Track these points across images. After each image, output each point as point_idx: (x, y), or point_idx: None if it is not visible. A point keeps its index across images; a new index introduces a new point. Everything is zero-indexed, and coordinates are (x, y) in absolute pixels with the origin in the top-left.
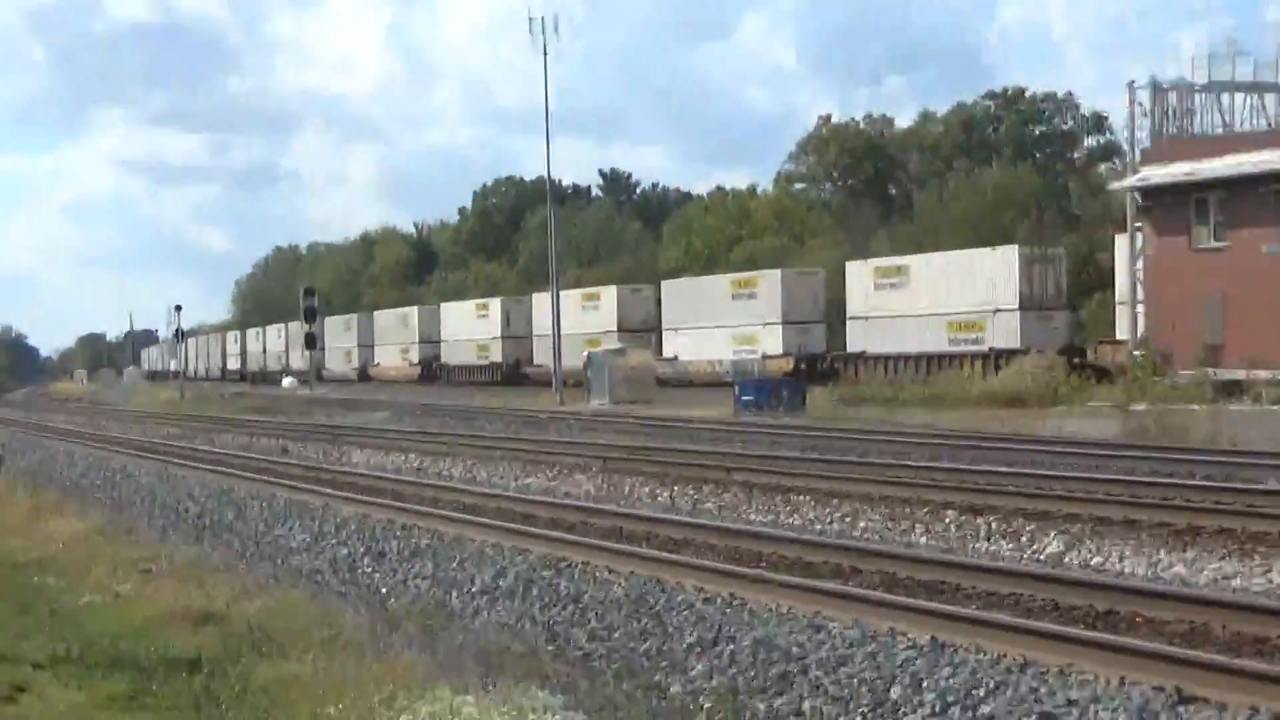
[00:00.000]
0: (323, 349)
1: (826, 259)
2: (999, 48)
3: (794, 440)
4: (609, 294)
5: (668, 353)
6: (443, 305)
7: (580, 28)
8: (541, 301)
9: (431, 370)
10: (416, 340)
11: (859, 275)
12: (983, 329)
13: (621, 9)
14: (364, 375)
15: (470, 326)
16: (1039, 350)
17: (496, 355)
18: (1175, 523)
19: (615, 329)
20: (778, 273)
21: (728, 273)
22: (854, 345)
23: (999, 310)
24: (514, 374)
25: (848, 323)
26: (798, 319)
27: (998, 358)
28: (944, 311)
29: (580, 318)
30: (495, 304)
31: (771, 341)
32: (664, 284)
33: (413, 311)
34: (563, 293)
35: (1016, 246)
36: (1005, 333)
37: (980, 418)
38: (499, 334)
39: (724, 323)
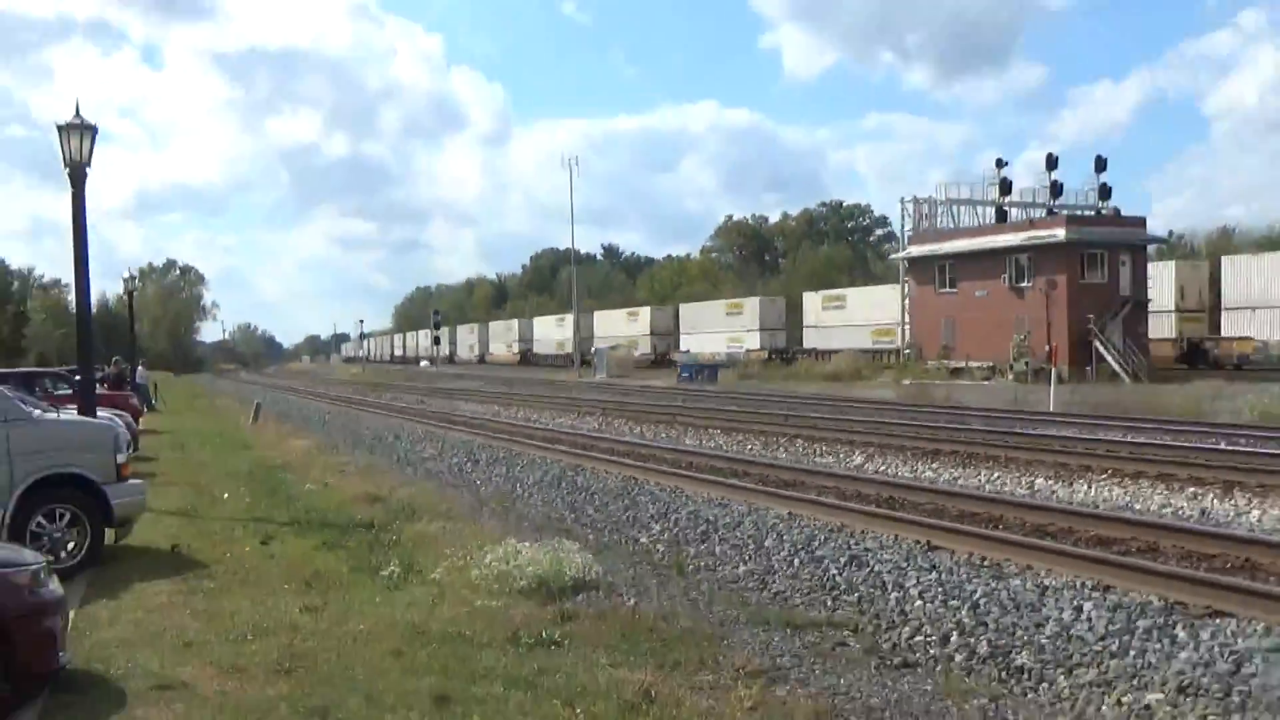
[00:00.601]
0: (453, 343)
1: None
2: (831, 177)
3: (710, 398)
4: (645, 311)
5: (683, 348)
6: (535, 319)
7: (591, 162)
8: (596, 318)
9: (527, 358)
10: (517, 339)
11: (812, 300)
12: (894, 335)
13: (614, 152)
14: (482, 359)
15: (551, 331)
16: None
17: (568, 348)
18: (923, 446)
19: (649, 333)
20: (756, 299)
21: (676, 303)
22: (808, 344)
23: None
24: (581, 360)
25: (804, 329)
26: (769, 327)
27: (895, 355)
28: (868, 324)
29: (625, 326)
30: (568, 317)
31: (752, 340)
32: (682, 306)
33: (515, 322)
34: (611, 311)
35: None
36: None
37: (819, 386)
38: (570, 335)
39: (720, 329)
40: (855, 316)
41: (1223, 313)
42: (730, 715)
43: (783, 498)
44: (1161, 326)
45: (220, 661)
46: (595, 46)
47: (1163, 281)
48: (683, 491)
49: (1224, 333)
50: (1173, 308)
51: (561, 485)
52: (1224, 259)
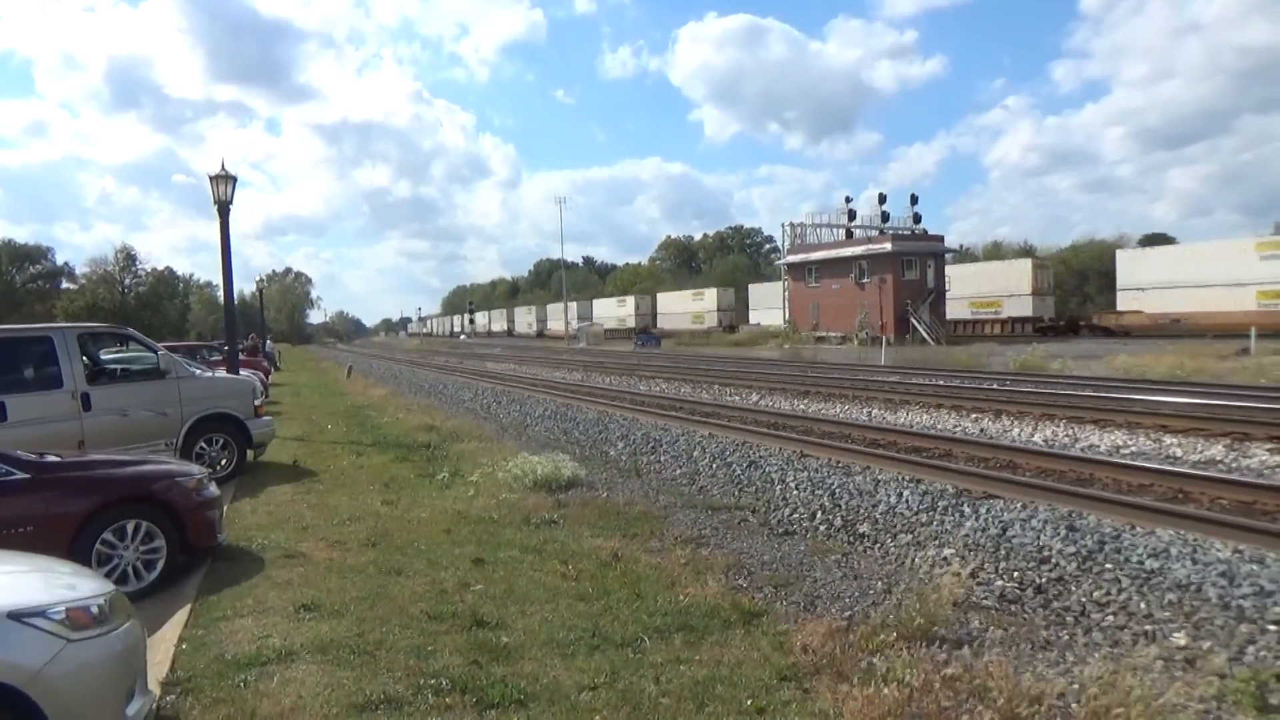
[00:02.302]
0: (512, 321)
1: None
2: (736, 209)
3: (658, 359)
4: (630, 299)
5: (660, 325)
6: (594, 301)
7: (575, 199)
8: (600, 306)
9: (541, 333)
10: (535, 319)
11: (757, 290)
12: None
13: (591, 192)
14: (540, 335)
15: (560, 313)
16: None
17: (573, 327)
18: (797, 388)
19: (634, 314)
20: (715, 289)
21: (626, 295)
22: (754, 319)
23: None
24: (570, 335)
25: (750, 311)
26: (726, 308)
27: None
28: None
29: (617, 310)
30: (581, 303)
31: (711, 318)
32: (659, 295)
33: (533, 308)
34: (608, 299)
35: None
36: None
37: (727, 350)
38: (571, 317)
39: (688, 310)
40: (768, 303)
41: (1118, 293)
42: (671, 567)
43: (705, 423)
44: (1023, 305)
45: (327, 538)
46: (578, 120)
47: (1021, 274)
48: (638, 420)
49: (1118, 307)
50: (1029, 291)
51: (557, 417)
52: (1118, 252)
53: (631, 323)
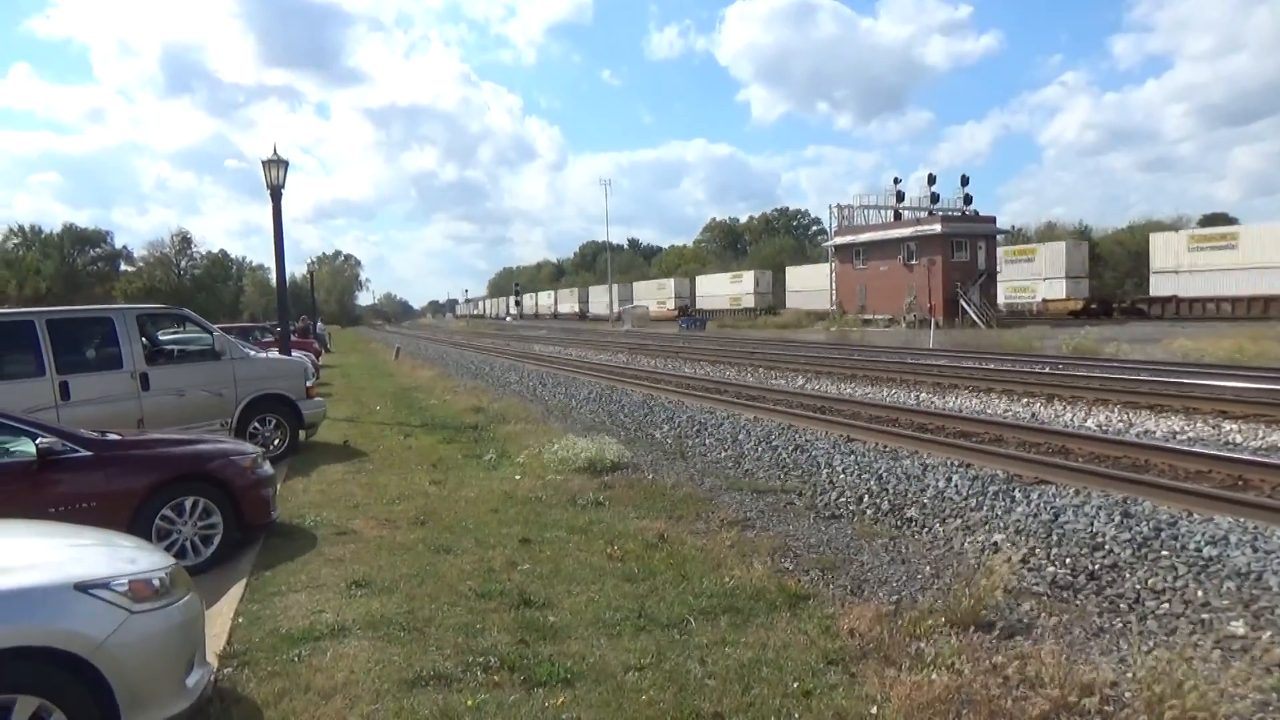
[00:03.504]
0: (556, 303)
1: (716, 271)
2: (783, 190)
3: (702, 341)
4: (670, 282)
5: (699, 306)
6: (635, 284)
7: (620, 181)
8: (640, 288)
9: (584, 315)
10: (618, 299)
11: (794, 272)
12: (825, 296)
13: (637, 174)
14: (583, 316)
15: (602, 296)
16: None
17: (616, 308)
18: (844, 371)
19: (673, 297)
20: (752, 272)
21: (667, 278)
22: (791, 304)
23: None
24: (616, 317)
25: (786, 293)
26: (764, 290)
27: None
28: (810, 290)
29: (657, 293)
30: (623, 285)
31: (749, 299)
32: (698, 277)
33: (575, 289)
34: (647, 281)
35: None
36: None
37: (773, 333)
38: (614, 299)
39: (726, 292)
40: (805, 285)
41: (1151, 276)
42: (717, 549)
43: (750, 406)
44: (1055, 288)
45: (378, 516)
46: (624, 102)
47: (1056, 257)
48: (683, 403)
49: (1152, 292)
50: (1064, 274)
51: (602, 400)
52: (1152, 235)
53: (671, 305)
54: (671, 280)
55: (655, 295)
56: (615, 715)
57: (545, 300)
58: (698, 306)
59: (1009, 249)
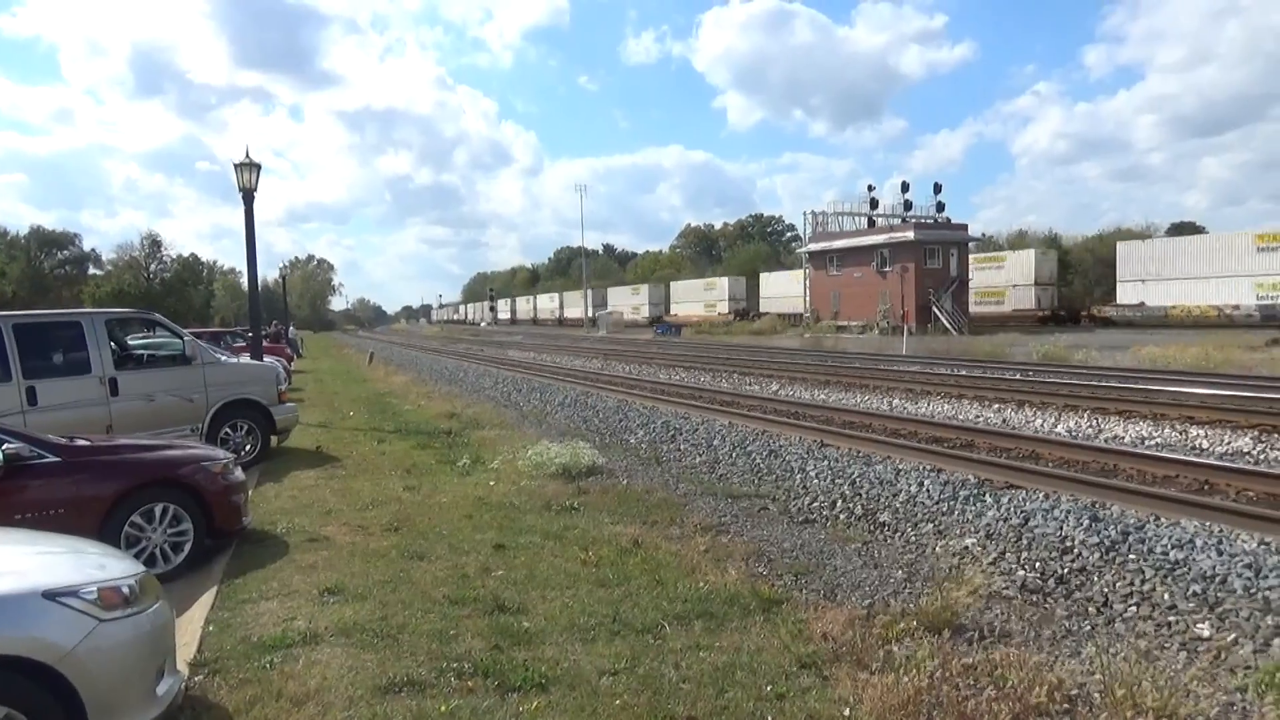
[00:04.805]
0: (535, 309)
1: (691, 277)
2: (758, 197)
3: (677, 347)
4: (644, 288)
5: (673, 312)
6: (609, 289)
7: (595, 187)
8: (614, 294)
9: (561, 320)
10: (592, 304)
11: (767, 278)
12: (799, 303)
13: (612, 180)
14: (560, 322)
15: (617, 300)
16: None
17: (630, 316)
18: (817, 377)
19: (647, 303)
20: (726, 278)
21: (641, 284)
22: (765, 310)
23: None
24: (591, 322)
25: (760, 299)
26: (737, 297)
27: (798, 317)
28: (784, 295)
29: (631, 299)
30: (602, 290)
31: (722, 305)
32: (672, 284)
33: (555, 295)
34: (622, 287)
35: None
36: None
37: (747, 339)
38: (589, 305)
39: (700, 299)
40: (779, 291)
41: (1118, 284)
42: (691, 555)
43: (725, 412)
44: (1026, 296)
45: (350, 523)
46: (601, 107)
47: (1024, 265)
48: (658, 409)
49: (1119, 299)
50: (1032, 281)
51: (577, 405)
52: (1119, 244)
53: (645, 311)
54: (645, 286)
55: (629, 301)
56: None
57: (524, 306)
58: (672, 312)
59: (978, 256)
